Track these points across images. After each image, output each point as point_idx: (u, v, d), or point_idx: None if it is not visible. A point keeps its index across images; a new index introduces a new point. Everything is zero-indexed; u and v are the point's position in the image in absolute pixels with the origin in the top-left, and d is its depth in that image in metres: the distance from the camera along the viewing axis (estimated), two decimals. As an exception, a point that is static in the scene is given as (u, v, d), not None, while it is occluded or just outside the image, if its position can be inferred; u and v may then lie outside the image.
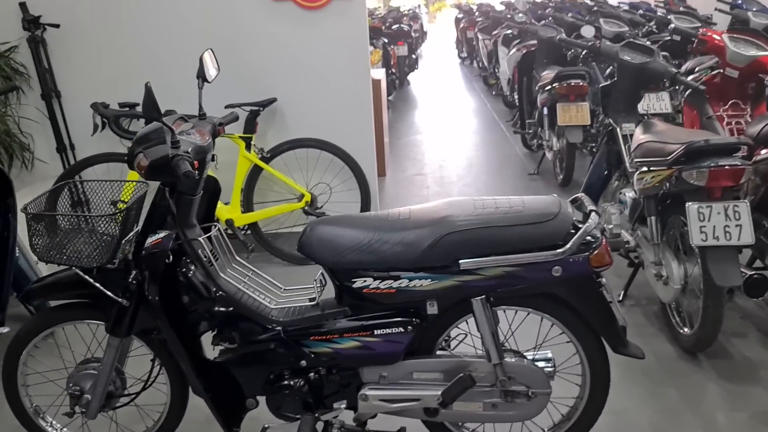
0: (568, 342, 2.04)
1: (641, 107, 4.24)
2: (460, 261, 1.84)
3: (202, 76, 2.19)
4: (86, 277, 2.00)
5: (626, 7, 8.12)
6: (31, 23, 3.75)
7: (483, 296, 1.91)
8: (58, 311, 2.18)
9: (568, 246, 1.82)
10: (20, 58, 3.85)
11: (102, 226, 1.99)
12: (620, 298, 3.28)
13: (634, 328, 3.02)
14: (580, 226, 1.87)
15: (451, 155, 6.49)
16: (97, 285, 2.00)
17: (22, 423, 2.28)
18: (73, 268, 2.01)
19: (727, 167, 2.44)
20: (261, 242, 3.97)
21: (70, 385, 2.16)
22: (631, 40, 3.56)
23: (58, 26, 3.80)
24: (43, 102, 3.89)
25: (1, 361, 2.23)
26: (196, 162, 1.84)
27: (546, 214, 1.87)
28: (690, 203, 2.48)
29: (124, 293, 2.01)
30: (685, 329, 2.77)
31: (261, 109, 3.82)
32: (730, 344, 2.83)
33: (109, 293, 2.00)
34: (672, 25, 4.93)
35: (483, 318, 1.93)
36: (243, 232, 3.88)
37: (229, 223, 3.79)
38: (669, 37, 5.37)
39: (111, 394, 2.18)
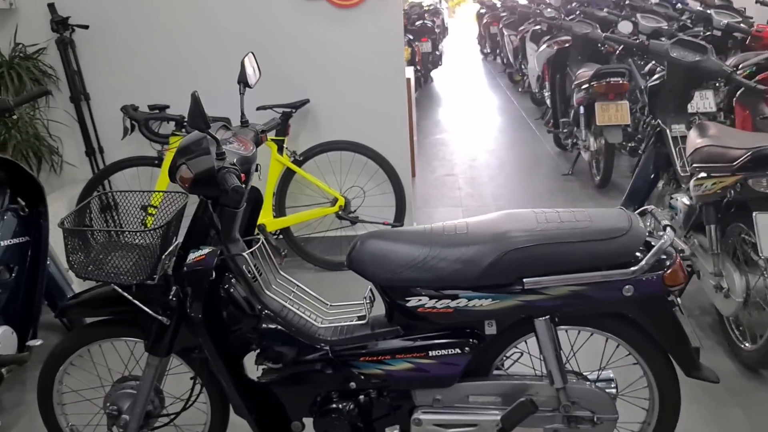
0: (634, 364, 1.91)
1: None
2: (524, 279, 1.72)
3: (243, 80, 2.08)
4: (125, 294, 1.90)
5: (656, 1, 7.92)
6: (60, 24, 3.67)
7: (547, 316, 1.79)
8: (95, 328, 2.09)
9: (641, 264, 1.70)
10: (49, 60, 3.77)
11: (141, 238, 1.89)
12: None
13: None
14: (653, 241, 1.74)
15: (481, 154, 6.35)
16: (137, 303, 1.90)
17: (58, 442, 2.19)
18: (111, 284, 1.91)
19: (799, 174, 2.30)
20: (293, 247, 3.87)
21: (108, 404, 2.07)
22: (682, 37, 3.39)
23: (87, 27, 3.71)
24: (72, 105, 3.81)
25: (36, 378, 2.15)
26: (242, 175, 1.73)
27: (616, 229, 1.74)
28: (758, 213, 2.33)
29: (164, 311, 1.91)
30: (747, 344, 2.62)
31: (293, 110, 3.71)
32: (794, 360, 2.68)
33: (149, 311, 1.90)
34: (724, 22, 4.74)
35: (547, 339, 1.80)
36: (275, 237, 3.78)
37: (261, 228, 3.68)
38: (708, 33, 5.19)
39: (149, 414, 2.09)
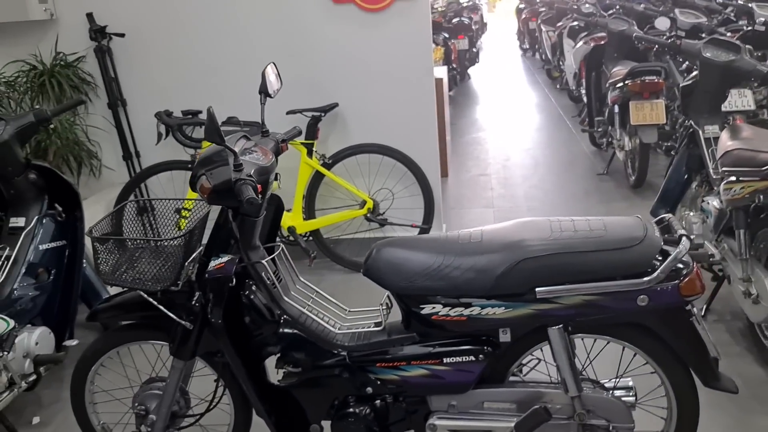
0: (652, 373, 1.90)
1: (723, 105, 3.99)
2: (537, 289, 1.72)
3: (264, 91, 2.13)
4: (150, 299, 1.97)
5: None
6: (98, 33, 3.79)
7: (561, 325, 1.79)
8: (124, 331, 2.17)
9: (656, 274, 1.68)
10: (87, 67, 3.91)
11: (166, 246, 1.96)
12: (702, 313, 3.07)
13: (719, 346, 2.81)
14: (669, 250, 1.72)
15: (516, 154, 6.31)
16: (161, 308, 1.97)
17: (90, 440, 2.28)
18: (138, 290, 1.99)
19: (830, 179, 2.23)
20: (323, 249, 3.92)
21: (136, 404, 2.15)
22: (715, 36, 3.32)
23: (123, 35, 3.83)
24: (110, 111, 3.94)
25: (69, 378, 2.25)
26: (259, 186, 1.78)
27: (631, 238, 1.72)
28: (786, 218, 2.28)
29: (187, 316, 1.97)
30: (778, 352, 2.57)
31: (323, 114, 3.76)
32: (828, 368, 2.61)
33: (173, 316, 1.97)
34: (763, 19, 4.61)
35: (560, 348, 1.80)
36: (305, 239, 3.84)
37: (291, 230, 3.75)
38: (750, 28, 5.05)
39: (175, 414, 2.16)
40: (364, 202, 3.79)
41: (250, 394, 2.02)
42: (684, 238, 1.73)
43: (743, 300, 2.67)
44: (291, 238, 3.77)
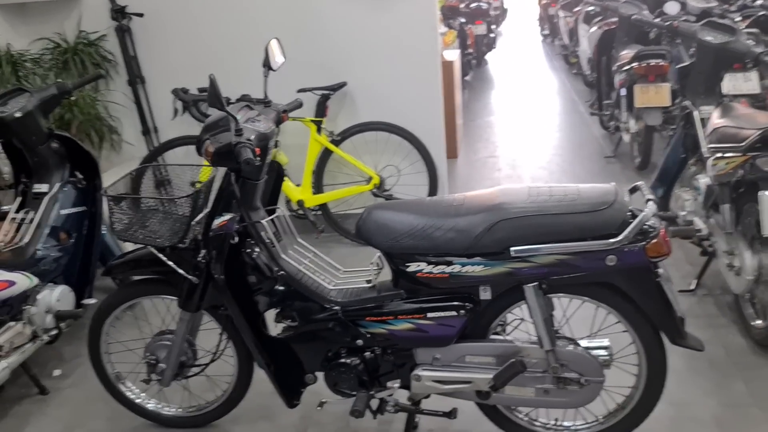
0: (624, 331, 2.02)
1: (727, 88, 4.05)
2: (512, 248, 1.86)
3: (267, 65, 2.28)
4: (160, 255, 2.14)
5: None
6: (118, 13, 3.96)
7: (535, 283, 1.92)
8: (136, 286, 2.35)
9: (622, 235, 1.81)
10: (109, 46, 4.08)
11: (176, 207, 2.12)
12: (693, 287, 3.18)
13: (705, 318, 2.94)
14: (638, 215, 1.84)
15: (526, 137, 6.39)
16: (170, 263, 2.14)
17: (106, 387, 2.47)
18: (148, 246, 2.16)
19: (806, 154, 2.33)
20: (330, 223, 4.07)
21: (147, 354, 2.33)
22: (712, 18, 3.40)
23: (142, 15, 4.00)
24: (130, 87, 4.12)
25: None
26: (258, 149, 1.93)
27: (601, 202, 1.85)
28: (764, 192, 2.38)
29: (194, 271, 2.14)
30: (758, 321, 2.67)
31: (331, 93, 3.90)
32: (807, 339, 2.71)
33: (180, 271, 2.14)
34: (760, 1, 4.64)
35: (535, 304, 1.94)
36: (314, 212, 3.99)
37: (300, 203, 3.91)
38: (763, 12, 5.07)
39: (183, 364, 2.34)
40: (370, 178, 3.93)
41: (250, 345, 2.19)
42: (650, 203, 1.85)
43: (727, 272, 2.78)
44: (300, 211, 3.93)
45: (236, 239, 2.10)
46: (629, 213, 1.85)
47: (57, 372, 2.91)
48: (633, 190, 2.01)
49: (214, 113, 2.01)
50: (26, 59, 3.91)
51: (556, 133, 6.48)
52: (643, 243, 1.83)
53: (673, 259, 3.50)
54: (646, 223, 1.83)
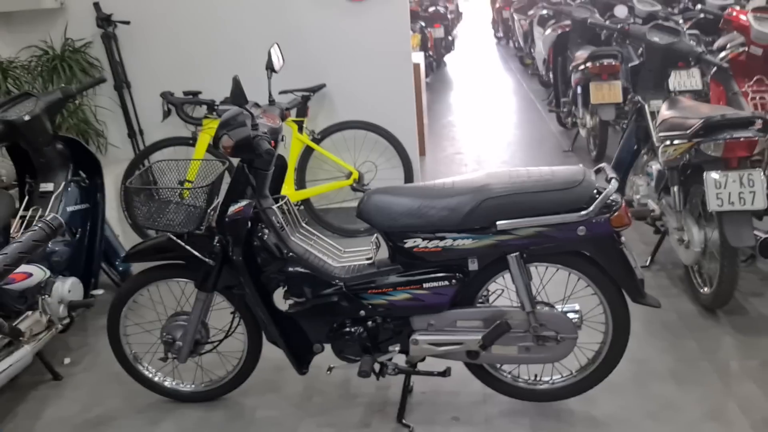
0: (593, 294, 2.33)
1: (673, 84, 4.45)
2: (498, 222, 2.14)
3: (270, 67, 2.53)
4: (179, 241, 2.37)
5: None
6: (104, 21, 4.13)
7: (517, 253, 2.21)
8: (152, 271, 2.55)
9: (591, 209, 2.11)
10: (94, 52, 4.25)
11: (191, 197, 2.35)
12: (648, 263, 3.53)
13: (659, 289, 3.29)
14: (602, 191, 2.15)
15: (489, 135, 6.75)
16: (188, 248, 2.37)
17: (124, 367, 2.67)
18: (167, 234, 2.38)
19: (741, 139, 2.68)
20: (313, 217, 4.31)
21: (164, 334, 2.54)
22: (659, 21, 3.77)
23: (128, 23, 4.18)
24: (116, 92, 4.29)
25: (103, 317, 2.63)
26: (272, 141, 2.18)
27: (572, 181, 2.15)
28: (708, 172, 2.73)
29: (210, 255, 2.37)
30: (705, 288, 3.03)
31: (312, 94, 4.15)
32: (747, 303, 3.08)
33: (198, 254, 2.36)
34: (699, 6, 5.07)
35: (517, 272, 2.23)
36: (297, 207, 4.22)
37: (285, 199, 4.13)
38: (702, 15, 5.51)
39: (198, 342, 2.56)
40: (350, 174, 4.19)
41: (262, 321, 2.43)
42: (613, 180, 2.16)
43: (678, 246, 3.13)
44: (291, 216, 4.16)
45: (249, 224, 2.33)
46: (595, 190, 2.16)
47: (67, 360, 3.08)
48: (597, 171, 2.31)
49: (228, 111, 2.24)
50: (16, 66, 4.05)
51: (516, 130, 6.85)
52: (608, 215, 2.13)
53: (630, 239, 3.87)
54: (610, 198, 2.14)
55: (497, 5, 14.71)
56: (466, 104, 8.41)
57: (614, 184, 2.15)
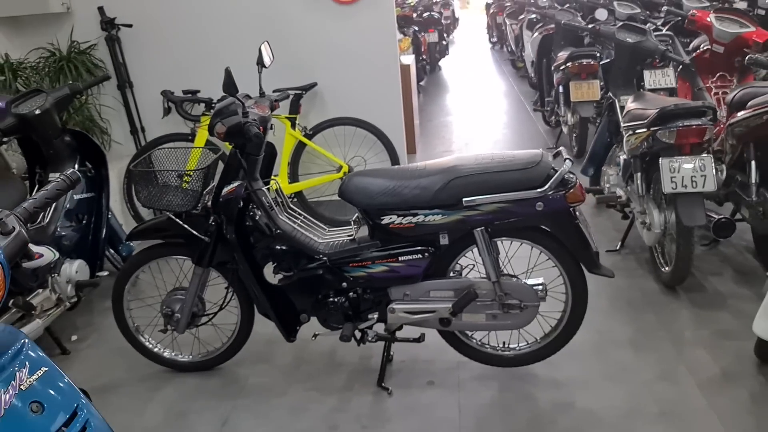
0: (553, 266, 2.56)
1: (648, 82, 4.69)
2: (464, 199, 2.38)
3: (261, 62, 2.77)
4: (178, 220, 2.61)
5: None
6: (108, 24, 4.39)
7: (482, 227, 2.45)
8: (153, 249, 2.79)
9: (547, 185, 2.34)
10: (99, 54, 4.51)
11: (188, 181, 2.59)
12: (618, 248, 3.77)
13: (626, 271, 3.52)
14: (558, 170, 2.39)
15: (478, 134, 6.99)
16: (185, 226, 2.61)
17: (127, 339, 2.90)
18: (167, 214, 2.62)
19: (693, 127, 2.92)
20: (305, 209, 4.54)
21: (164, 307, 2.77)
22: (627, 22, 4.02)
23: (131, 26, 4.43)
24: (119, 91, 4.54)
25: (107, 300, 2.87)
26: (261, 128, 2.42)
27: (530, 162, 2.39)
28: (663, 158, 2.96)
29: (206, 233, 2.61)
30: (666, 267, 3.26)
31: (304, 92, 4.40)
32: (707, 281, 3.31)
33: (195, 232, 2.60)
34: (665, 7, 5.33)
35: (483, 245, 2.46)
36: (290, 199, 4.47)
37: (278, 192, 4.38)
38: (678, 18, 5.76)
39: (195, 314, 2.79)
40: (340, 167, 4.43)
41: (254, 294, 2.66)
42: (566, 161, 2.40)
43: (641, 229, 3.37)
44: (279, 198, 4.40)
45: (241, 204, 2.57)
46: (552, 170, 2.40)
47: (74, 337, 3.32)
48: (556, 155, 2.55)
49: (222, 101, 2.48)
50: (25, 67, 4.30)
51: (505, 129, 7.10)
52: (563, 192, 2.37)
53: (603, 227, 4.11)
54: (565, 177, 2.37)
55: (491, 11, 15.00)
56: (458, 106, 8.66)
57: (568, 164, 2.38)
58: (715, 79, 3.96)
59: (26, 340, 1.23)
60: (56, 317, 3.06)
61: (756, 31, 3.79)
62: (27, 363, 1.17)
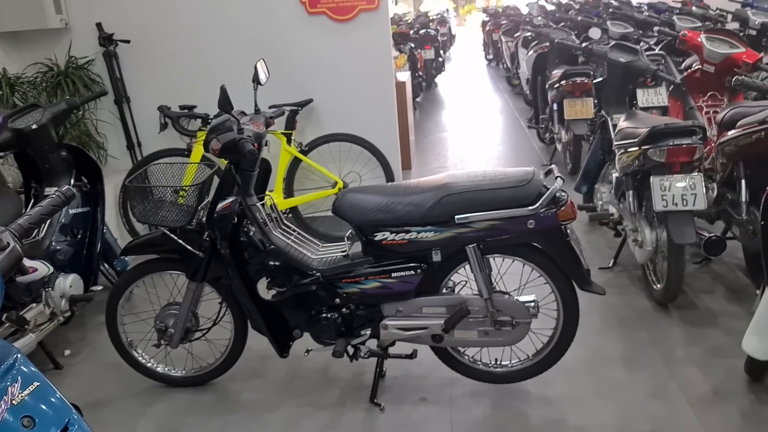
0: (545, 283, 2.58)
1: (642, 101, 4.74)
2: (456, 216, 2.40)
3: (256, 80, 2.79)
4: (172, 236, 2.62)
5: (645, 8, 8.59)
6: (106, 40, 4.43)
7: (475, 244, 2.47)
8: (147, 264, 2.80)
9: (538, 203, 2.37)
10: (96, 69, 4.54)
11: (183, 196, 2.61)
12: (611, 265, 3.79)
13: (619, 288, 3.54)
14: (549, 188, 2.41)
15: (473, 150, 7.04)
16: (180, 241, 2.62)
17: (120, 354, 2.90)
18: (162, 229, 2.63)
19: (683, 146, 2.96)
20: (300, 224, 4.56)
21: (158, 322, 2.78)
22: (619, 41, 4.07)
23: (128, 42, 4.47)
24: (116, 106, 4.57)
25: (100, 315, 2.87)
26: (255, 144, 2.44)
27: (522, 180, 2.41)
28: (654, 176, 3.00)
29: (200, 248, 2.62)
30: (658, 285, 3.28)
31: (300, 108, 4.43)
32: (698, 299, 3.33)
33: (189, 247, 2.62)
34: (656, 28, 5.40)
35: (475, 262, 2.48)
36: (285, 215, 4.48)
37: (273, 207, 4.39)
38: (670, 38, 5.83)
39: (188, 329, 2.80)
40: (335, 183, 4.45)
41: (247, 309, 2.67)
42: (558, 179, 2.42)
43: (633, 246, 3.39)
44: (273, 214, 4.42)
45: (235, 219, 2.59)
46: (544, 187, 2.42)
47: (67, 352, 3.32)
48: (548, 173, 2.58)
49: (218, 118, 2.51)
50: (23, 81, 4.33)
51: (500, 146, 7.15)
52: (555, 209, 2.39)
53: (596, 244, 4.14)
54: (557, 194, 2.39)
55: (488, 28, 15.13)
56: (453, 122, 8.72)
57: (559, 182, 2.41)
58: (706, 98, 4.01)
59: (19, 355, 1.24)
60: (49, 332, 3.06)
61: (746, 52, 3.84)
62: (19, 378, 1.18)
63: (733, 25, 6.13)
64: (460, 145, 7.31)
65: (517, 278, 2.66)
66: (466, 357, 2.75)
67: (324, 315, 2.63)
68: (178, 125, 4.26)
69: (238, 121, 2.44)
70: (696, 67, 4.10)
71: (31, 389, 1.17)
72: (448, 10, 20.71)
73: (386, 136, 4.61)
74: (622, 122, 3.49)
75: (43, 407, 1.19)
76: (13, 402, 1.13)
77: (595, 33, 5.93)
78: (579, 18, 7.20)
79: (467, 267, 2.55)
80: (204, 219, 2.62)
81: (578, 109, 5.21)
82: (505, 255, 2.58)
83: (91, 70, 4.52)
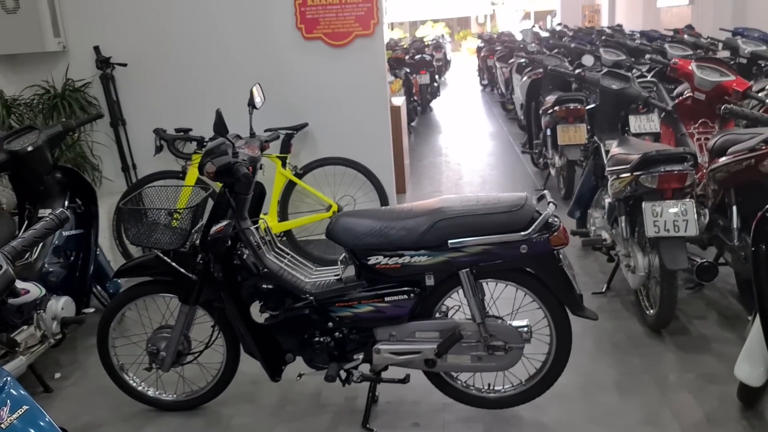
0: (538, 308, 2.58)
1: (634, 127, 4.79)
2: (449, 241, 2.41)
3: (251, 104, 2.83)
4: (166, 258, 2.62)
5: (637, 36, 8.72)
6: (103, 63, 4.46)
7: (468, 269, 2.47)
8: (139, 287, 2.80)
9: (531, 228, 2.38)
10: (93, 92, 4.56)
11: (178, 219, 2.61)
12: (604, 290, 3.79)
13: (612, 313, 3.54)
14: (542, 214, 2.43)
15: (467, 174, 7.07)
16: (173, 264, 2.62)
17: (111, 377, 2.88)
18: (155, 251, 2.63)
19: (675, 172, 2.99)
20: (294, 248, 4.56)
21: (149, 345, 2.77)
22: (611, 69, 4.12)
23: (125, 65, 4.50)
24: (112, 129, 4.59)
25: (92, 337, 2.85)
26: (250, 168, 2.46)
27: (515, 205, 2.43)
28: (646, 202, 3.02)
29: (193, 271, 2.62)
30: (651, 310, 3.28)
31: (295, 132, 4.46)
32: (691, 325, 3.34)
33: (182, 270, 2.62)
34: (648, 56, 5.47)
35: (468, 286, 2.49)
36: (279, 238, 4.49)
37: (267, 230, 4.39)
38: (660, 65, 5.90)
39: (180, 353, 2.78)
40: (329, 207, 4.47)
41: (240, 332, 2.66)
42: (550, 204, 2.44)
43: (626, 272, 3.41)
44: (267, 237, 4.42)
45: (229, 243, 2.59)
46: (537, 212, 2.44)
47: (58, 375, 3.29)
48: (540, 198, 2.59)
49: (213, 141, 2.52)
50: (20, 103, 4.35)
51: (494, 170, 7.19)
52: (547, 235, 2.40)
53: (589, 269, 4.15)
54: (549, 220, 2.41)
55: (482, 54, 15.28)
56: (448, 146, 8.77)
57: (551, 207, 2.43)
58: (697, 125, 4.05)
59: (8, 378, 1.23)
60: (40, 354, 3.04)
61: (736, 80, 3.89)
62: (8, 401, 1.17)
63: (723, 54, 6.22)
64: (455, 170, 7.35)
65: (510, 303, 2.67)
66: (459, 382, 2.74)
67: (317, 339, 2.62)
68: (173, 148, 4.27)
69: (233, 145, 2.45)
70: (687, 95, 4.15)
71: (20, 413, 1.17)
72: (443, 36, 20.96)
73: (381, 160, 4.63)
74: (615, 148, 3.52)
75: None
76: (2, 426, 1.12)
77: (588, 60, 6.02)
78: (572, 45, 7.29)
79: (460, 291, 2.55)
80: (198, 242, 2.63)
81: (571, 134, 5.26)
82: (498, 280, 2.59)
83: (87, 92, 4.54)
